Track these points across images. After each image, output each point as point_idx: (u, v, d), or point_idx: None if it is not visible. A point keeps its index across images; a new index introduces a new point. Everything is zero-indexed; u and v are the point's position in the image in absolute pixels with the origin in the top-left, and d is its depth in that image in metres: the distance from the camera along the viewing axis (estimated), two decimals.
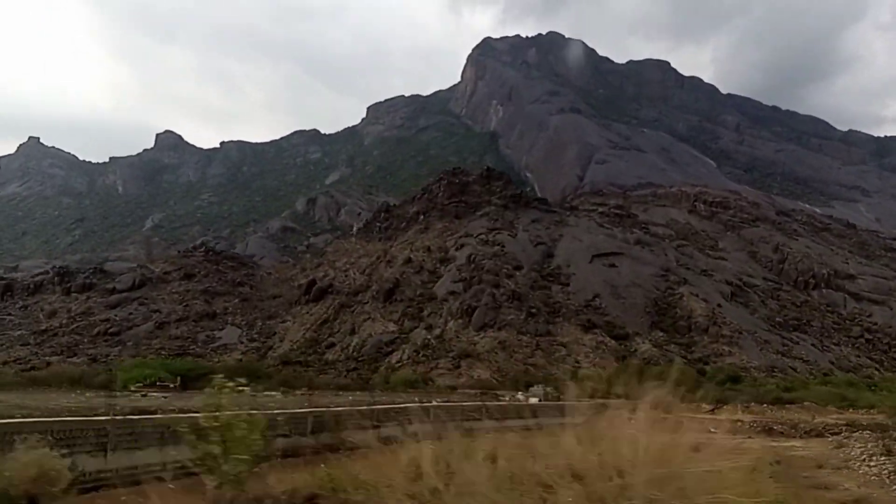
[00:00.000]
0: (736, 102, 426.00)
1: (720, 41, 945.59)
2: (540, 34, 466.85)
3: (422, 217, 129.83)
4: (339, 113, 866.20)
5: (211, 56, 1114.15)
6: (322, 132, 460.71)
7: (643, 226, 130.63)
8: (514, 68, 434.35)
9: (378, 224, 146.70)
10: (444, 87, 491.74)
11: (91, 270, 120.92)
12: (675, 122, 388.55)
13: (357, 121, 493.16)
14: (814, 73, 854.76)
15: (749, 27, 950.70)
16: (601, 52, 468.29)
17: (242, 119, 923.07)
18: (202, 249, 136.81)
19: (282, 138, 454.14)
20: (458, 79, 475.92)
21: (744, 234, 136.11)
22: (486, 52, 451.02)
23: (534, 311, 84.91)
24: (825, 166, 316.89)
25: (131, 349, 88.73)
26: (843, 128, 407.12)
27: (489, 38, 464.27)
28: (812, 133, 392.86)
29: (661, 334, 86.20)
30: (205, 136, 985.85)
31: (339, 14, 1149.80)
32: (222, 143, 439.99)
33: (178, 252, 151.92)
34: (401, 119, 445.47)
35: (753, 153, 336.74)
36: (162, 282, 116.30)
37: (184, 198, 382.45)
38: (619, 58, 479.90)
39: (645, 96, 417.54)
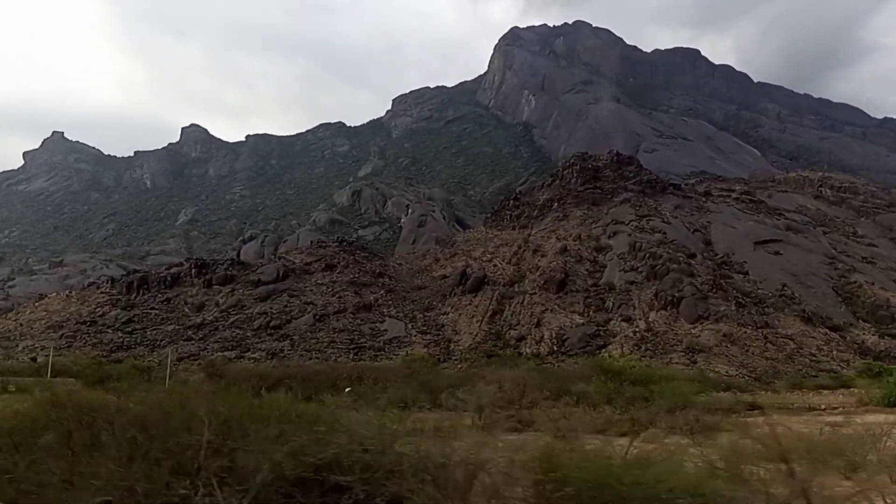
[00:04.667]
0: (768, 91, 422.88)
1: (742, 30, 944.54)
2: (566, 23, 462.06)
3: (555, 204, 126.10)
4: (354, 106, 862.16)
5: (224, 51, 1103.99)
6: (347, 125, 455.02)
7: (778, 212, 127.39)
8: (544, 58, 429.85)
9: (508, 212, 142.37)
10: (462, 79, 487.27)
11: (229, 262, 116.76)
12: (710, 110, 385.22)
13: (379, 114, 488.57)
14: (835, 61, 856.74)
15: (771, 15, 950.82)
16: (627, 41, 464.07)
17: (258, 113, 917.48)
18: (336, 240, 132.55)
19: (307, 131, 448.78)
20: (476, 71, 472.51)
21: (880, 221, 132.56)
22: (514, 42, 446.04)
23: (742, 301, 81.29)
24: (872, 154, 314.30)
25: (300, 343, 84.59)
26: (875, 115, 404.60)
27: (516, 27, 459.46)
28: (846, 121, 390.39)
29: (868, 325, 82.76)
30: (220, 130, 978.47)
31: (353, 7, 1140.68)
32: (248, 137, 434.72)
33: (312, 242, 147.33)
34: (428, 111, 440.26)
35: (797, 141, 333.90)
36: (305, 273, 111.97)
37: (214, 191, 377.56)
38: (644, 47, 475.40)
39: (676, 85, 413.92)
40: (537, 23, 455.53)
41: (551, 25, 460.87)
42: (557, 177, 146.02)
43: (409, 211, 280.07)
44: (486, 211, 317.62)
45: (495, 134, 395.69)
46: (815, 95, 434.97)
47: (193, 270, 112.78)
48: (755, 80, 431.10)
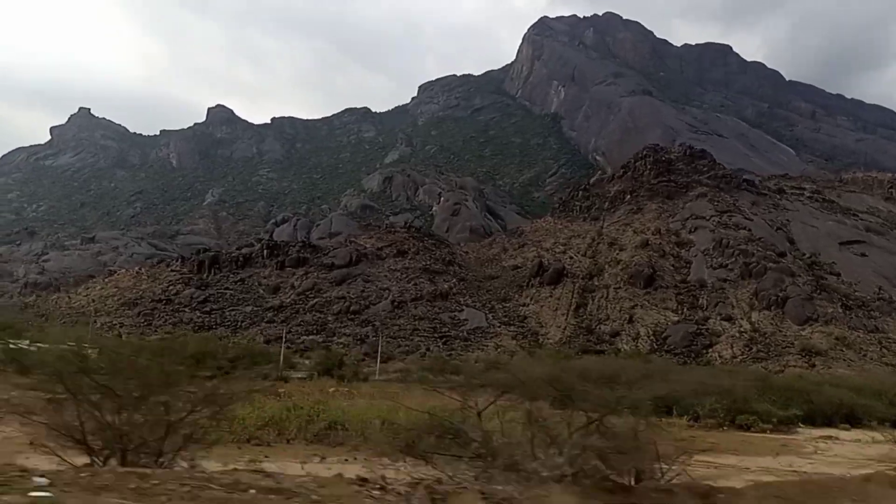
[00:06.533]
0: (799, 90, 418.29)
1: (771, 27, 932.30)
2: (596, 14, 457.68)
3: (628, 196, 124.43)
4: (371, 90, 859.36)
5: (243, 30, 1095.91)
6: (373, 110, 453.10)
7: (851, 212, 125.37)
8: (573, 49, 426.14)
9: (577, 203, 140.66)
10: (481, 67, 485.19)
11: (301, 244, 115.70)
12: (742, 108, 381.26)
13: (398, 100, 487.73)
14: (864, 62, 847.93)
15: (801, 13, 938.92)
16: (657, 35, 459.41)
17: (277, 95, 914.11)
18: (404, 226, 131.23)
19: (333, 116, 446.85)
20: (496, 60, 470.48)
21: None
22: (543, 32, 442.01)
23: (847, 304, 79.53)
24: None
25: (382, 329, 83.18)
26: None
27: (546, 17, 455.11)
28: (879, 122, 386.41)
29: None
30: (240, 111, 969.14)
31: None
32: (273, 119, 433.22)
33: (380, 227, 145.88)
34: (455, 99, 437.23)
35: (832, 142, 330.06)
36: (377, 258, 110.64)
37: (241, 173, 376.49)
38: (674, 41, 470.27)
39: (707, 80, 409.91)
40: (566, 13, 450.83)
41: (581, 16, 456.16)
42: (629, 168, 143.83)
43: (442, 199, 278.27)
44: (517, 201, 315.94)
45: (523, 124, 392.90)
46: (846, 96, 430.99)
47: (265, 251, 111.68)
48: (786, 79, 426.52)
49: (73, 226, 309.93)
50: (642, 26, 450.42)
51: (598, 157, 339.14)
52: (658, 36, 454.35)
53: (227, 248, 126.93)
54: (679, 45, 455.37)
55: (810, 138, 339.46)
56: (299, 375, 48.53)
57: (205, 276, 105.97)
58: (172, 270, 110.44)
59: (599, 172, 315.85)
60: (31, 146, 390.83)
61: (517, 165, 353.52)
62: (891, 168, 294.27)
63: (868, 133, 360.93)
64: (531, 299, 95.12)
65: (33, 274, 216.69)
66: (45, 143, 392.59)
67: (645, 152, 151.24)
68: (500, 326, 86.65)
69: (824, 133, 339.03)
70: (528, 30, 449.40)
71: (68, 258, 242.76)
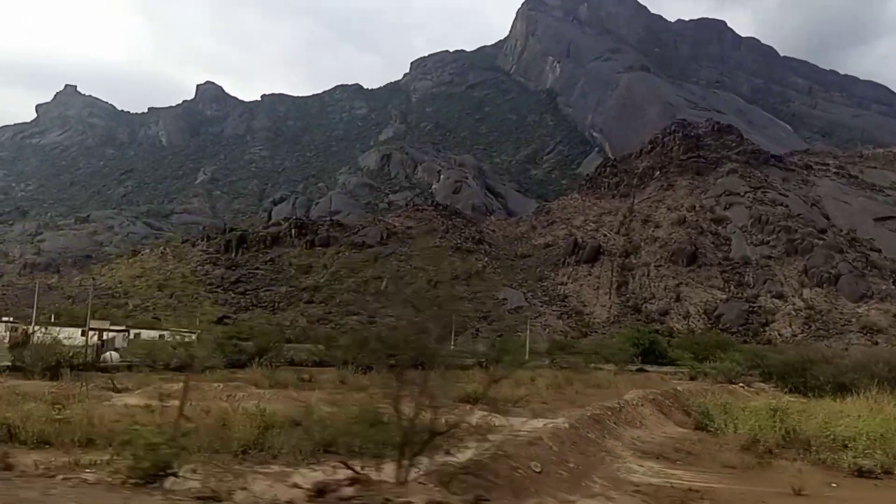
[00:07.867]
0: (793, 66, 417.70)
1: (762, 2, 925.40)
2: None
3: (657, 172, 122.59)
4: (355, 67, 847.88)
5: (227, 7, 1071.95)
6: (365, 87, 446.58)
7: (877, 188, 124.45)
8: (568, 24, 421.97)
9: (605, 180, 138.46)
10: (471, 43, 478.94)
11: (329, 223, 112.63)
12: (737, 84, 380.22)
13: (388, 77, 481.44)
14: (854, 37, 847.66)
15: None
16: (651, 10, 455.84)
17: (265, 73, 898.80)
18: (431, 204, 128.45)
19: (324, 92, 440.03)
20: (487, 35, 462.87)
21: None
22: (537, 7, 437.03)
23: None
24: None
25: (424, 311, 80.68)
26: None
27: None
28: (873, 98, 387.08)
29: None
30: (230, 90, 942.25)
31: None
32: (263, 96, 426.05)
33: (407, 205, 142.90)
34: (449, 75, 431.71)
35: (828, 118, 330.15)
36: (407, 237, 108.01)
37: (232, 151, 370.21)
38: (668, 16, 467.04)
39: (703, 56, 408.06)
40: None
41: None
42: (657, 144, 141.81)
43: (442, 177, 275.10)
44: (515, 179, 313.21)
45: (518, 100, 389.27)
46: (839, 72, 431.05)
47: (293, 230, 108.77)
48: (781, 54, 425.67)
49: (64, 205, 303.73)
50: (636, 2, 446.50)
51: (595, 134, 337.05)
52: (652, 11, 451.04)
53: (237, 226, 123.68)
54: (673, 20, 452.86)
55: (807, 114, 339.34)
56: (468, 362, 46.19)
57: (233, 255, 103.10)
58: (199, 250, 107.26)
59: (597, 150, 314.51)
60: (16, 124, 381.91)
61: (514, 142, 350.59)
62: (886, 143, 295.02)
63: (863, 108, 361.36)
64: (569, 278, 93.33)
65: (29, 254, 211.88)
66: (31, 122, 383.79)
67: (673, 127, 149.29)
68: (541, 306, 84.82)
69: (820, 109, 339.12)
70: (522, 5, 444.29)
71: (63, 238, 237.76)
